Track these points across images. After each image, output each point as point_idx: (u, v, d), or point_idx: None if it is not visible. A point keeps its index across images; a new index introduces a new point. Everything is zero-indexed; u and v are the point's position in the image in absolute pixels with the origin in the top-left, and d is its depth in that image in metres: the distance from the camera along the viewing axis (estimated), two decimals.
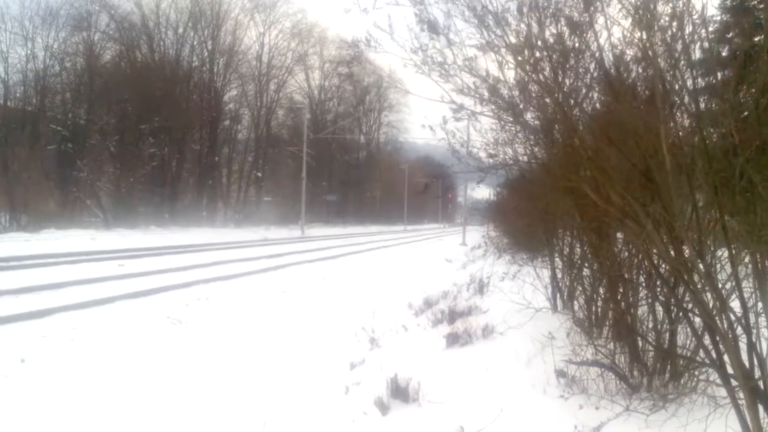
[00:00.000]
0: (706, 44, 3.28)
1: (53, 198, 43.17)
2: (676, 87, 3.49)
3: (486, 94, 4.33)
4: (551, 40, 4.17)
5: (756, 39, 3.51)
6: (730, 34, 4.22)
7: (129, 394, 5.92)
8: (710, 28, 3.28)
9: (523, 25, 4.13)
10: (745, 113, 3.21)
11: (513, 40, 4.13)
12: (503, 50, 4.18)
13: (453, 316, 8.28)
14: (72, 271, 14.89)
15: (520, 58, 4.10)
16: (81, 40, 47.09)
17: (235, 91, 62.16)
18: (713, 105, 3.40)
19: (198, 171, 56.67)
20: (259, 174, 64.97)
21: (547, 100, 4.16)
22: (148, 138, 48.04)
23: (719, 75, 3.41)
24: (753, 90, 3.32)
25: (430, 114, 5.06)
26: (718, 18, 3.91)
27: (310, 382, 6.23)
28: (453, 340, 6.88)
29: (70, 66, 46.60)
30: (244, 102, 63.40)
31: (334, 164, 77.00)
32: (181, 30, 56.58)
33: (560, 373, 4.79)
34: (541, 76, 4.10)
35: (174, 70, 54.30)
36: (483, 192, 35.34)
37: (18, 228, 33.66)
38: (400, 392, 5.00)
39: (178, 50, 56.48)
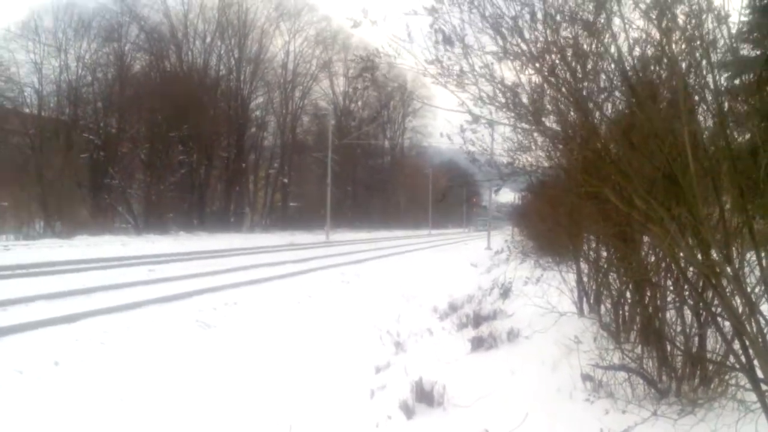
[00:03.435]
0: (728, 43, 3.24)
1: (86, 205, 44.02)
2: (698, 88, 3.46)
3: (503, 101, 4.33)
4: (568, 43, 4.15)
5: None
6: (756, 34, 4.16)
7: (158, 396, 6.01)
8: (734, 29, 3.23)
9: (537, 33, 4.12)
10: None
11: (526, 47, 4.12)
12: (521, 57, 4.18)
13: (478, 320, 8.26)
14: (104, 276, 15.18)
15: (537, 65, 4.09)
16: (112, 50, 48.22)
17: (261, 99, 62.99)
18: (737, 106, 3.36)
19: (225, 177, 57.37)
20: (285, 180, 65.49)
21: (566, 104, 4.15)
22: (178, 145, 48.83)
23: (743, 76, 3.37)
24: None
25: (453, 118, 5.07)
26: (745, 19, 3.85)
27: (335, 386, 6.26)
28: (478, 344, 6.86)
29: (101, 76, 47.72)
30: (270, 109, 64.18)
31: (359, 169, 77.24)
32: (208, 39, 57.55)
33: (587, 378, 4.75)
34: (559, 81, 4.08)
35: (202, 79, 55.16)
36: (508, 196, 35.18)
37: (52, 234, 34.36)
38: (425, 396, 5.00)
39: (205, 59, 57.44)
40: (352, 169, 73.80)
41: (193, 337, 8.91)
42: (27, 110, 44.18)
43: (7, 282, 13.46)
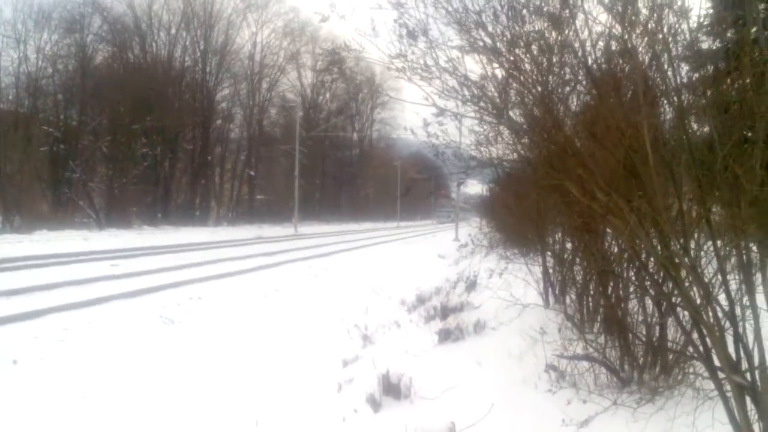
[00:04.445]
0: (688, 37, 3.29)
1: (46, 199, 43.06)
2: (659, 81, 3.50)
3: (468, 94, 4.34)
4: (533, 37, 4.17)
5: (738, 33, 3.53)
6: (717, 27, 4.23)
7: (120, 393, 5.92)
8: (695, 23, 3.28)
9: (501, 27, 4.13)
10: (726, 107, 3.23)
11: (490, 41, 4.14)
12: (486, 50, 4.19)
13: (445, 312, 8.30)
14: (64, 271, 14.85)
15: (501, 58, 4.10)
16: (73, 42, 46.93)
17: (228, 91, 62.12)
18: (695, 99, 3.41)
19: (191, 170, 56.59)
20: (252, 173, 64.92)
21: (530, 97, 4.17)
22: (141, 138, 47.89)
23: (702, 69, 3.42)
24: (737, 83, 3.34)
25: (422, 111, 5.06)
26: (705, 12, 3.91)
27: (302, 380, 6.24)
28: (445, 336, 6.90)
29: (62, 68, 46.41)
30: (236, 101, 63.34)
31: (327, 162, 76.95)
32: (173, 30, 56.49)
33: (551, 368, 4.81)
34: (522, 75, 4.10)
35: (166, 71, 54.20)
36: (476, 188, 35.41)
37: (11, 230, 33.48)
38: (392, 389, 5.01)
39: (170, 51, 56.37)
40: (321, 161, 73.48)
41: (156, 333, 8.78)
42: None
43: None
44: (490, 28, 4.24)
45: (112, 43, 50.49)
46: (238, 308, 11.00)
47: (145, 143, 48.77)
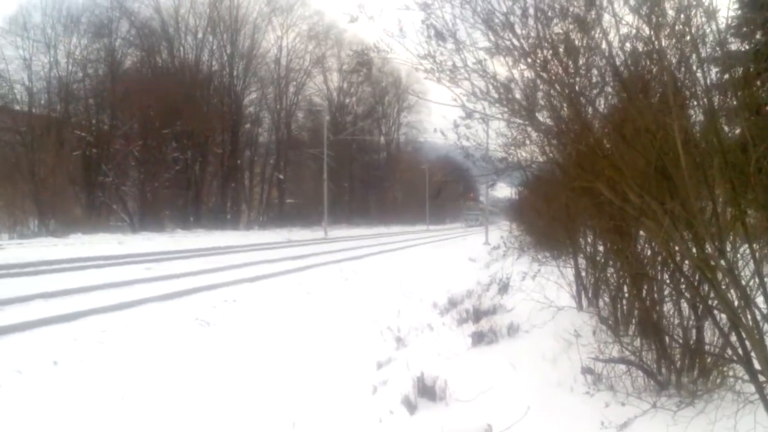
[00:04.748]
0: (716, 38, 3.28)
1: (80, 203, 43.94)
2: (688, 83, 3.49)
3: (496, 96, 4.37)
4: (560, 39, 4.19)
5: None
6: (744, 29, 4.21)
7: (159, 394, 6.05)
8: (722, 24, 3.27)
9: (528, 28, 4.16)
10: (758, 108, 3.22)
11: (518, 43, 4.16)
12: (513, 52, 4.22)
13: (478, 314, 8.32)
14: (100, 275, 15.18)
15: (529, 60, 4.13)
16: (102, 46, 47.91)
17: (255, 95, 62.83)
18: (727, 100, 3.40)
19: (221, 174, 57.25)
20: (281, 176, 65.43)
21: (558, 99, 4.18)
22: (171, 142, 48.66)
23: (732, 71, 3.41)
24: None
25: (448, 113, 5.11)
26: (734, 14, 3.89)
27: (338, 382, 6.31)
28: (478, 338, 6.91)
29: (92, 72, 47.46)
30: (264, 105, 64.01)
31: (355, 165, 77.21)
32: (200, 35, 57.33)
33: (587, 371, 4.80)
34: (551, 77, 4.12)
35: (194, 75, 54.95)
36: (504, 191, 35.25)
37: (46, 233, 34.27)
38: (427, 391, 5.05)
39: (197, 55, 57.21)
40: (349, 164, 73.77)
41: (192, 335, 8.94)
42: (17, 107, 44.00)
43: (3, 282, 13.46)
44: (518, 30, 4.28)
45: (141, 47, 51.38)
46: (271, 311, 11.14)
47: (176, 147, 49.53)
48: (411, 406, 4.94)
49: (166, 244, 27.92)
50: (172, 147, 49.26)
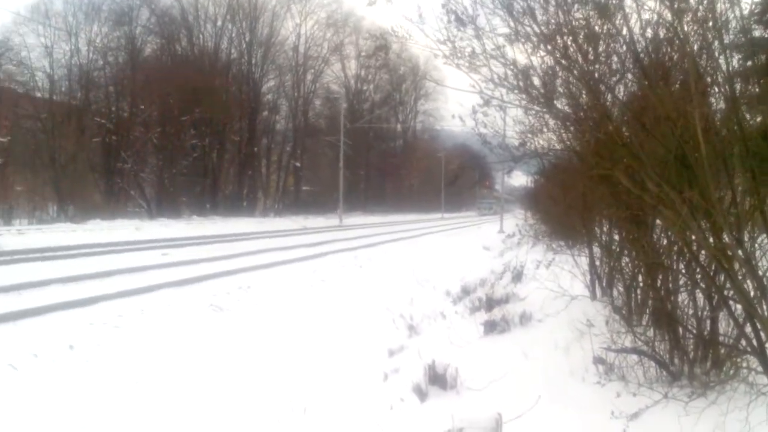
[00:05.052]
0: (740, 25, 3.21)
1: (98, 189, 44.44)
2: (710, 70, 3.43)
3: (515, 82, 4.32)
4: (580, 25, 4.13)
5: None
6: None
7: (173, 378, 6.10)
8: (746, 10, 3.20)
9: (548, 14, 4.10)
10: None
11: (539, 29, 4.11)
12: (533, 38, 4.17)
13: (490, 303, 8.28)
14: (118, 260, 15.36)
15: (549, 47, 4.07)
16: (123, 34, 48.33)
17: (273, 82, 62.96)
18: (749, 88, 3.33)
19: (238, 161, 57.56)
20: (298, 164, 65.63)
21: (577, 86, 4.13)
22: (190, 129, 48.97)
23: (755, 58, 3.33)
24: None
25: (465, 101, 5.07)
26: (758, 0, 3.80)
27: (349, 369, 6.32)
28: (491, 327, 6.89)
29: (112, 60, 47.91)
30: (281, 93, 64.11)
31: (372, 153, 77.17)
32: (219, 22, 57.48)
33: (599, 360, 4.77)
34: (570, 63, 4.07)
35: (213, 62, 55.22)
36: (520, 179, 35.06)
37: (65, 219, 34.72)
38: (438, 379, 5.04)
39: (216, 43, 57.44)
40: (365, 152, 73.74)
41: (206, 321, 9.01)
42: (39, 94, 44.60)
43: (21, 266, 13.67)
44: (538, 16, 4.22)
45: (160, 35, 51.74)
46: (285, 297, 11.19)
47: (194, 134, 49.85)
48: (422, 394, 4.94)
49: (182, 231, 28.16)
50: (191, 134, 49.58)
